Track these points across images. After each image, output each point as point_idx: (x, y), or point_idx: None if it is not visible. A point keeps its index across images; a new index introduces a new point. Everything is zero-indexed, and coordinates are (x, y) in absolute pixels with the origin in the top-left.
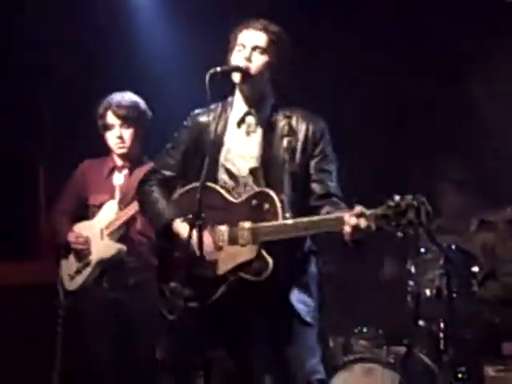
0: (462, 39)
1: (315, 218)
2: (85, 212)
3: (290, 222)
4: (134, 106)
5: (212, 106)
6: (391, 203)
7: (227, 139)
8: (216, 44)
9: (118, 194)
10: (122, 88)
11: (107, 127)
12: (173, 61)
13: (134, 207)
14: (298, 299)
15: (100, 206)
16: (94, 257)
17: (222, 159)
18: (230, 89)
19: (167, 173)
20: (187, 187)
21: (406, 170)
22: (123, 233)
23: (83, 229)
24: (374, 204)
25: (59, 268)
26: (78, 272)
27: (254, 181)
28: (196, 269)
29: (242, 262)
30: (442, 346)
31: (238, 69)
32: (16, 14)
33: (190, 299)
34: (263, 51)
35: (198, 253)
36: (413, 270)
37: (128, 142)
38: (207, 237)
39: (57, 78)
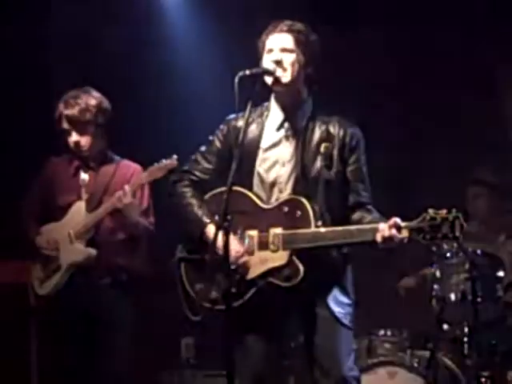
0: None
1: (349, 227)
2: (52, 213)
3: (322, 230)
4: (87, 108)
5: (247, 111)
6: (426, 216)
7: (263, 145)
8: (248, 50)
9: (84, 195)
10: (157, 95)
11: (64, 132)
12: (207, 66)
13: (103, 209)
14: (336, 301)
15: (67, 207)
16: (64, 261)
17: (257, 164)
18: (257, 95)
19: (201, 175)
20: (216, 191)
21: (435, 172)
22: (92, 235)
23: (51, 231)
24: (404, 213)
25: (31, 270)
26: (48, 277)
27: (288, 187)
28: (224, 272)
29: (271, 268)
30: (466, 351)
31: (267, 72)
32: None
33: (217, 302)
34: (291, 52)
35: (223, 255)
36: (438, 274)
37: (87, 146)
38: (237, 241)
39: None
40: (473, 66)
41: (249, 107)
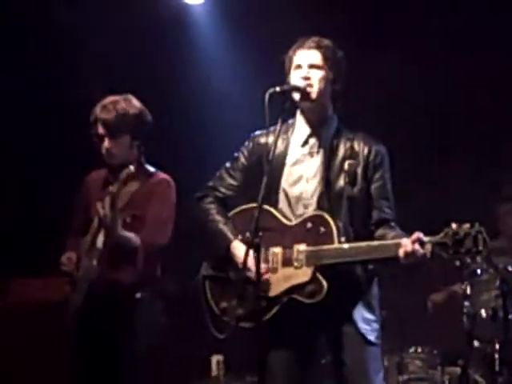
0: None
1: (372, 243)
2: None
3: (345, 246)
4: (125, 115)
5: (272, 128)
6: (449, 231)
7: (289, 160)
8: (274, 66)
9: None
10: (183, 108)
11: (98, 137)
12: (232, 82)
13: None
14: (362, 318)
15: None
16: (79, 277)
17: (283, 180)
18: (289, 111)
19: (226, 192)
20: (241, 207)
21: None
22: (103, 252)
23: (80, 246)
24: (430, 230)
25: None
26: (75, 292)
27: (314, 203)
28: (249, 289)
29: (295, 284)
30: (496, 368)
31: (297, 88)
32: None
33: (242, 319)
34: (320, 68)
35: (253, 273)
36: (468, 291)
37: (119, 155)
38: (261, 258)
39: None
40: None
41: (279, 124)
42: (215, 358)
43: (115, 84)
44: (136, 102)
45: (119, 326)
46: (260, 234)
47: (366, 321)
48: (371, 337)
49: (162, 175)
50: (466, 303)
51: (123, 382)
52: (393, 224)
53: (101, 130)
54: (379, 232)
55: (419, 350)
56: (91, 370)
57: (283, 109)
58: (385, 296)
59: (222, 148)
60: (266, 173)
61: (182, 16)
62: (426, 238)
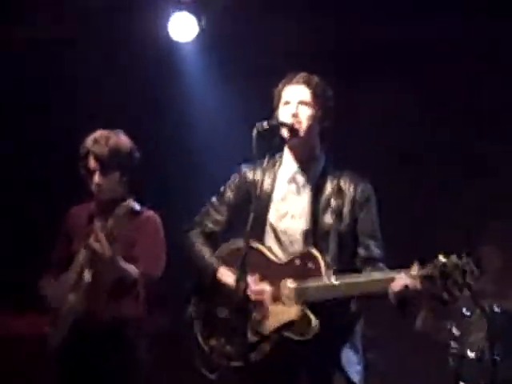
0: None
1: (361, 279)
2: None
3: (335, 282)
4: (117, 150)
5: (259, 162)
6: (438, 263)
7: (275, 196)
8: (261, 101)
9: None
10: (170, 142)
11: (87, 171)
12: (220, 116)
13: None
14: (347, 359)
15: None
16: (63, 313)
17: (269, 216)
18: (277, 146)
19: (213, 227)
20: (233, 246)
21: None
22: (84, 285)
23: (60, 281)
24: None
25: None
26: (55, 328)
27: (301, 240)
28: (238, 327)
29: (285, 322)
30: None
31: (285, 124)
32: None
33: (233, 358)
34: (308, 105)
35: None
36: (455, 331)
37: (108, 189)
38: (255, 286)
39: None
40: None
41: (266, 159)
42: None
43: (102, 119)
44: (126, 139)
45: (111, 362)
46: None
47: (350, 362)
48: (355, 378)
49: (148, 212)
50: (453, 343)
51: None
52: (381, 265)
53: (93, 163)
54: (368, 271)
55: None
56: None
57: (271, 144)
58: (369, 336)
59: (209, 182)
60: (252, 208)
61: (171, 53)
62: (414, 272)
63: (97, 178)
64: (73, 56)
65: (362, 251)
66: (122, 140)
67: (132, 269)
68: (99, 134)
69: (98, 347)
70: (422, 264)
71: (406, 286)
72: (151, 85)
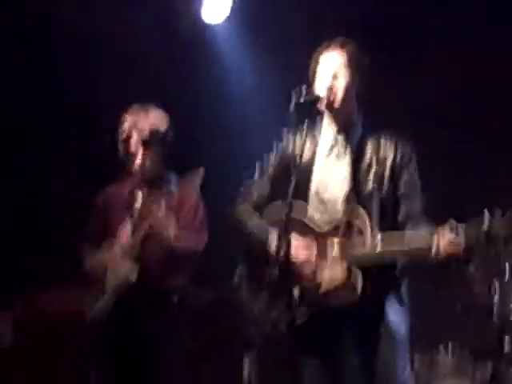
0: None
1: (404, 240)
2: (109, 237)
3: (379, 249)
4: (158, 128)
5: (299, 134)
6: (481, 218)
7: (316, 165)
8: (297, 76)
9: (135, 216)
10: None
11: (131, 149)
12: (255, 94)
13: (139, 233)
14: (393, 313)
15: (120, 230)
16: (109, 284)
17: (311, 185)
18: (315, 117)
19: (256, 200)
20: (272, 218)
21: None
22: (136, 257)
23: (101, 254)
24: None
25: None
26: (98, 300)
27: (344, 207)
28: (286, 290)
29: (332, 286)
30: None
31: (320, 98)
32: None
33: (278, 321)
34: (344, 70)
35: (286, 267)
36: (499, 288)
37: (149, 166)
38: (302, 250)
39: None
40: None
41: (305, 131)
42: (247, 363)
43: (140, 100)
44: (164, 115)
45: (152, 336)
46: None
47: (397, 316)
48: (401, 333)
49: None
50: (496, 302)
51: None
52: (422, 222)
53: (136, 141)
54: (408, 228)
55: (450, 347)
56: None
57: (309, 116)
58: (414, 293)
59: (247, 158)
60: (294, 179)
61: (203, 35)
62: (460, 225)
63: (140, 155)
64: (110, 38)
65: (402, 214)
66: (162, 116)
67: (188, 242)
68: (139, 111)
69: (144, 315)
70: (465, 221)
71: (451, 242)
72: (186, 66)
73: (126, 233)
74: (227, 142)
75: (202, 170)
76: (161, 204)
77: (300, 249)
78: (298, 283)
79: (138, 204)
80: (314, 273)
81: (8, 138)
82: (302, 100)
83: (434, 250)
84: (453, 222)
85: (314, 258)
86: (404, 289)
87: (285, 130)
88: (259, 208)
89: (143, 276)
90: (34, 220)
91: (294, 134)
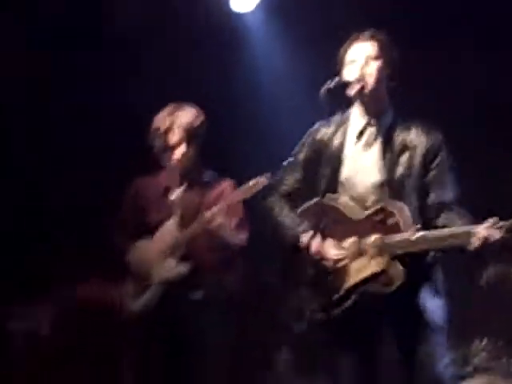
0: None
1: (442, 231)
2: (142, 231)
3: (414, 237)
4: (201, 122)
5: (330, 121)
6: None
7: (347, 152)
8: (327, 65)
9: (177, 212)
10: (241, 109)
11: (170, 144)
12: (285, 83)
13: (192, 229)
14: (429, 304)
15: (158, 225)
16: (155, 278)
17: (342, 173)
18: (345, 104)
19: (289, 188)
20: (308, 204)
21: None
22: (184, 252)
23: (142, 248)
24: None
25: (123, 289)
26: (139, 294)
27: (376, 195)
28: (322, 281)
29: (369, 275)
30: None
31: (351, 82)
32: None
33: (317, 311)
34: (375, 60)
35: (329, 261)
36: None
37: (191, 160)
38: (333, 251)
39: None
40: None
41: (335, 119)
42: (282, 352)
43: (167, 93)
44: (201, 112)
45: (197, 331)
46: (328, 228)
47: (434, 307)
48: (438, 322)
49: (227, 181)
50: None
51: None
52: (457, 209)
53: (178, 135)
54: (443, 218)
55: (485, 341)
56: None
57: (339, 102)
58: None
59: (278, 147)
60: (325, 167)
61: (232, 24)
62: (500, 223)
63: (183, 148)
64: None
65: (436, 199)
66: (198, 113)
67: (231, 239)
68: (175, 107)
69: (189, 311)
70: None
71: (486, 238)
72: (217, 57)
73: (170, 227)
74: (258, 132)
75: (263, 179)
76: (215, 209)
77: (335, 240)
78: (333, 274)
79: (178, 199)
80: (349, 262)
81: (6, 137)
82: (331, 85)
83: (473, 246)
84: (494, 218)
85: (348, 248)
86: (439, 278)
87: (316, 116)
88: (292, 197)
89: (193, 271)
90: (72, 211)
91: (325, 121)
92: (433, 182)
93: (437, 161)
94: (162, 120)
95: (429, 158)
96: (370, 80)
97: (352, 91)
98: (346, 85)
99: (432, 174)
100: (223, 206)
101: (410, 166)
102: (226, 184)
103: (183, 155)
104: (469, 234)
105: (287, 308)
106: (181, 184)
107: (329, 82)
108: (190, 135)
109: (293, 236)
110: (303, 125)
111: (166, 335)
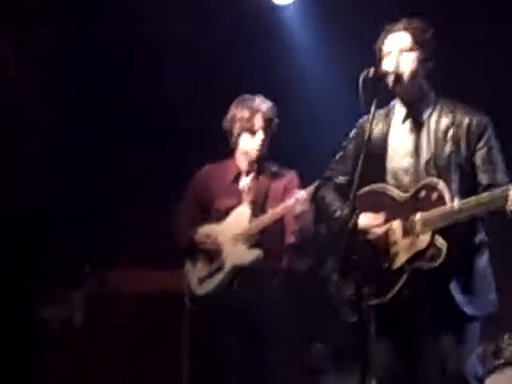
0: None
1: (481, 195)
2: (209, 216)
3: (456, 206)
4: (275, 111)
5: (372, 113)
6: None
7: (391, 140)
8: (365, 56)
9: (247, 199)
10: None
11: (250, 131)
12: (325, 75)
13: (270, 216)
14: (463, 292)
15: (227, 211)
16: (229, 262)
17: (387, 161)
18: (383, 94)
19: (341, 180)
20: (359, 192)
21: None
22: (257, 239)
23: (210, 232)
24: None
25: (184, 272)
26: (209, 276)
27: (422, 174)
28: (373, 265)
29: (416, 252)
30: None
31: (388, 74)
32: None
33: (370, 296)
34: (410, 51)
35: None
36: None
37: (265, 146)
38: (383, 233)
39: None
40: None
41: (373, 109)
42: (316, 346)
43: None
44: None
45: (270, 315)
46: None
47: (467, 294)
48: (471, 311)
49: (291, 172)
50: None
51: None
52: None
53: (260, 123)
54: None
55: None
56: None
57: (378, 94)
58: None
59: (328, 142)
60: (372, 157)
61: (272, 16)
62: None
63: (263, 135)
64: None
65: (483, 177)
66: (273, 105)
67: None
68: (252, 97)
69: (264, 299)
70: None
71: None
72: (256, 48)
73: (242, 214)
74: (301, 126)
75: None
76: (299, 196)
77: (379, 225)
78: (385, 256)
79: (247, 186)
80: (399, 241)
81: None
82: (370, 75)
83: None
84: None
85: (396, 228)
86: (482, 272)
87: (359, 108)
88: (343, 189)
89: (264, 259)
90: (116, 197)
91: (371, 113)
92: (481, 164)
93: (483, 141)
94: (244, 107)
95: (473, 137)
96: (406, 71)
97: (389, 82)
98: (383, 75)
99: (478, 154)
100: (304, 196)
101: (456, 143)
102: (292, 174)
103: (263, 141)
104: (505, 196)
105: (338, 299)
106: (249, 172)
107: (365, 73)
108: (268, 124)
109: (342, 218)
110: (349, 116)
111: (238, 320)
